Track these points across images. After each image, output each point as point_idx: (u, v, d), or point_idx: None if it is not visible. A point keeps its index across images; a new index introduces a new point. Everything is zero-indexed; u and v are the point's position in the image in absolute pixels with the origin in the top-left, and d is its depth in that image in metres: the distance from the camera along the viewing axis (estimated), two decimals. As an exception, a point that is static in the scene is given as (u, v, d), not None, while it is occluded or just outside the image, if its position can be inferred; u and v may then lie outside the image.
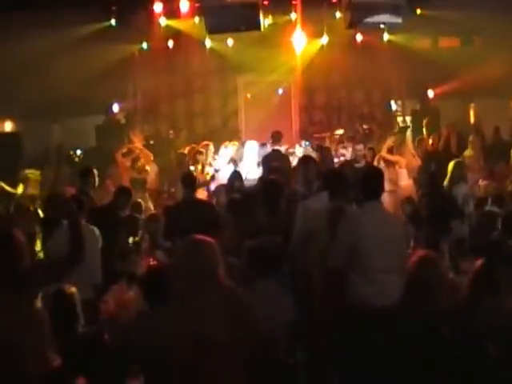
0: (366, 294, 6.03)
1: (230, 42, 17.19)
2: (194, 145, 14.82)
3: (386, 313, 5.86)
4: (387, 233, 6.17)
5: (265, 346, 5.36)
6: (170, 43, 17.46)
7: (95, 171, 9.85)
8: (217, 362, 4.60)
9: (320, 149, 13.02)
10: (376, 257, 6.07)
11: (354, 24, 13.66)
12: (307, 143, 15.52)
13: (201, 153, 13.82)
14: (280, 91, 19.55)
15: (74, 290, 5.86)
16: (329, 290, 6.46)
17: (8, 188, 11.37)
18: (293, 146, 15.57)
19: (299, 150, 14.75)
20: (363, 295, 6.04)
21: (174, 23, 16.47)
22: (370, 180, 6.46)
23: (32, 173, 10.30)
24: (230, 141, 15.20)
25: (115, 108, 17.99)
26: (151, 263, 7.74)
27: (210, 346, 4.58)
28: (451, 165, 10.66)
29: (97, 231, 7.77)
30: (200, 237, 4.90)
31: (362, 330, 5.91)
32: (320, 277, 6.79)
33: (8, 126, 18.84)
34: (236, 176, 10.94)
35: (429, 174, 10.18)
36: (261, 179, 10.34)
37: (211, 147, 14.36)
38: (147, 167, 13.89)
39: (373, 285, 6.03)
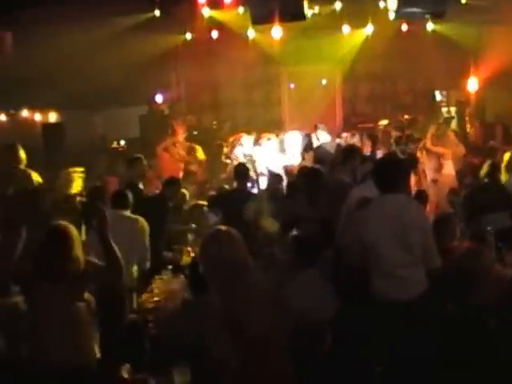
0: (383, 289, 5.88)
1: (274, 32, 17.12)
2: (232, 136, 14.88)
3: (405, 307, 5.75)
4: (400, 226, 5.88)
5: (306, 336, 5.37)
6: (213, 34, 17.46)
7: (144, 161, 9.89)
8: (257, 350, 4.60)
9: (372, 137, 12.87)
10: (388, 253, 5.86)
11: (398, 14, 13.50)
12: (344, 134, 15.47)
13: (241, 144, 13.87)
14: (323, 82, 19.46)
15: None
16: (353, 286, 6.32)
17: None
18: (338, 136, 15.53)
19: (344, 140, 14.68)
20: (381, 291, 5.89)
21: (217, 14, 16.47)
22: (381, 172, 6.18)
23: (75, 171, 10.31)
24: (273, 132, 15.17)
25: (158, 98, 18.07)
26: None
27: (251, 335, 4.59)
28: (507, 155, 10.37)
29: (142, 221, 7.77)
30: (224, 227, 4.89)
31: (384, 324, 5.81)
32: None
33: (52, 117, 19.07)
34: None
35: (489, 165, 9.84)
36: (302, 168, 10.30)
37: (244, 139, 14.39)
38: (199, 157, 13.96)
39: (389, 279, 5.85)
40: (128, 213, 7.76)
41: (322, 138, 14.53)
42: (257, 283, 4.70)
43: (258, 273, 4.81)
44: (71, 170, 8.92)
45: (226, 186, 10.93)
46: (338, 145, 13.33)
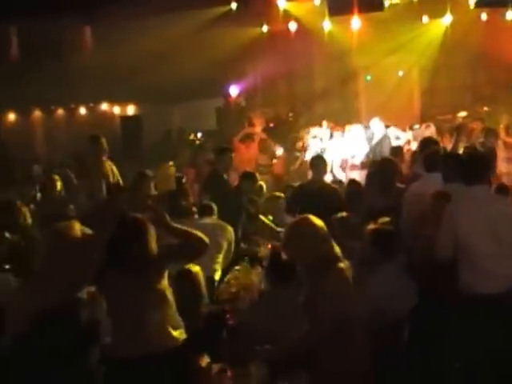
0: (470, 282, 5.76)
1: (353, 23, 16.98)
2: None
3: (495, 301, 5.62)
4: (490, 218, 5.79)
5: (382, 331, 5.32)
6: (290, 26, 17.41)
7: (230, 153, 9.92)
8: (338, 338, 4.63)
9: (459, 129, 12.65)
10: (478, 244, 5.76)
11: (480, 2, 13.24)
12: (416, 126, 15.26)
13: (316, 137, 13.83)
14: (400, 73, 19.22)
15: (198, 269, 5.94)
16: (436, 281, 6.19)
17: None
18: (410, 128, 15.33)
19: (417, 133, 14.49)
20: (468, 284, 5.78)
21: (293, 6, 16.43)
22: (469, 164, 6.13)
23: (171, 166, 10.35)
24: (351, 124, 15.07)
25: (233, 91, 18.15)
26: (274, 244, 7.76)
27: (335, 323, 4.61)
28: None
29: (229, 229, 7.83)
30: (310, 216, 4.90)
31: (473, 319, 5.69)
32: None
33: (130, 110, 19.36)
34: None
35: None
36: (379, 160, 10.19)
37: (319, 131, 14.35)
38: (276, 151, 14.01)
39: (478, 272, 5.75)
40: (212, 220, 7.82)
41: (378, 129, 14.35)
42: (342, 272, 4.72)
43: (344, 262, 4.82)
44: (168, 164, 8.99)
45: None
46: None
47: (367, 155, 13.27)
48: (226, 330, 5.84)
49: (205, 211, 8.03)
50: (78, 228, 4.35)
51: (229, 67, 16.83)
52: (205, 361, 5.18)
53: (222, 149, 9.96)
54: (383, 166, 8.47)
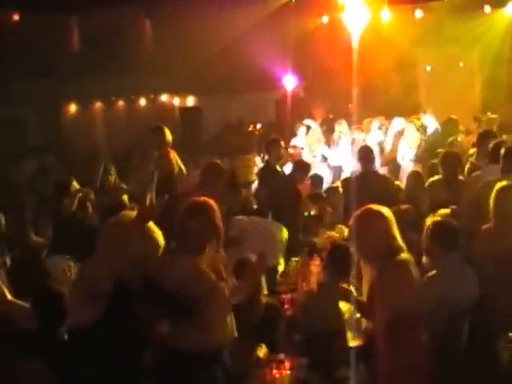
0: None
1: (417, 13, 16.78)
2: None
3: None
4: None
5: (444, 324, 5.26)
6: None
7: (282, 143, 9.92)
8: (398, 328, 4.62)
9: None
10: None
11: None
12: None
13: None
14: (461, 64, 18.91)
15: None
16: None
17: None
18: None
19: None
20: None
21: (352, -4, 16.27)
22: None
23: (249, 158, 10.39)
24: (411, 115, 14.89)
25: (290, 82, 18.09)
26: (334, 236, 7.75)
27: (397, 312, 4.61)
28: None
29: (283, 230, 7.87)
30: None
31: None
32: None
33: (190, 101, 19.48)
34: None
35: None
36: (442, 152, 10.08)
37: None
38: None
39: None
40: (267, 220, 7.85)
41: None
42: (404, 263, 4.71)
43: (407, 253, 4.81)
44: (247, 156, 9.03)
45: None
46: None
47: (420, 148, 13.09)
48: (284, 321, 5.85)
49: (261, 213, 8.03)
50: (132, 216, 4.37)
51: (288, 58, 16.77)
52: (263, 352, 5.19)
53: (272, 140, 10.00)
54: (446, 159, 8.38)
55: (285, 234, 7.72)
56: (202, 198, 4.84)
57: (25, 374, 4.64)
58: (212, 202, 4.81)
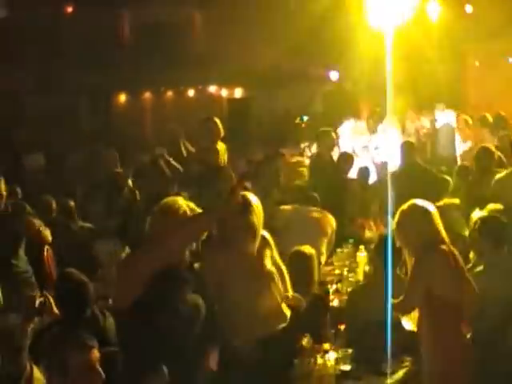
0: None
1: (467, 7, 16.58)
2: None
3: None
4: None
5: (492, 320, 5.22)
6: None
7: (333, 134, 9.93)
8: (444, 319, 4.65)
9: None
10: None
11: None
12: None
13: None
14: (510, 60, 18.62)
15: (313, 251, 5.98)
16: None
17: None
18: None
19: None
20: None
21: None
22: None
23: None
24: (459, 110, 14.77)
25: (335, 75, 18.04)
26: (381, 229, 7.73)
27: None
28: None
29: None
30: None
31: None
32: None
33: (238, 93, 19.54)
34: None
35: None
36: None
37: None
38: None
39: None
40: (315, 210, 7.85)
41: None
42: (446, 254, 4.73)
43: (450, 246, 4.82)
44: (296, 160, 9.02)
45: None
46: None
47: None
48: (329, 312, 5.86)
49: (310, 200, 8.01)
50: (183, 203, 4.39)
51: (336, 51, 16.70)
52: (308, 341, 5.20)
53: (323, 131, 10.01)
54: (481, 154, 8.32)
55: (333, 223, 7.69)
56: (250, 195, 4.88)
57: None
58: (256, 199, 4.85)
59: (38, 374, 4.57)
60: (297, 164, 8.93)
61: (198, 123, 8.78)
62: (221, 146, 8.58)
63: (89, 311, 5.04)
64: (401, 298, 4.82)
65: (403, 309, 4.93)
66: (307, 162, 10.10)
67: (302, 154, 11.18)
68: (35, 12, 17.66)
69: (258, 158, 13.32)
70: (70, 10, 18.94)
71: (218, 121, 8.58)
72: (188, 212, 4.22)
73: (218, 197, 7.08)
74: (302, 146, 12.23)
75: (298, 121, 17.62)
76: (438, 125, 13.99)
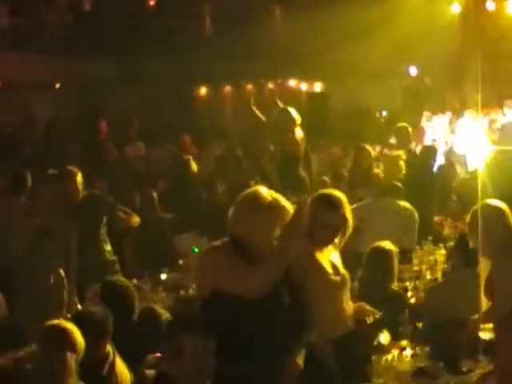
0: None
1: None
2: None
3: None
4: None
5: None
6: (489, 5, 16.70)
7: (410, 130, 9.86)
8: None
9: None
10: None
11: None
12: None
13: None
14: None
15: (392, 247, 5.99)
16: None
17: None
18: None
19: None
20: None
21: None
22: None
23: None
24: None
25: (414, 70, 17.83)
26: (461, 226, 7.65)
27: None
28: None
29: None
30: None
31: None
32: None
33: (317, 87, 19.53)
34: None
35: None
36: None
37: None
38: None
39: None
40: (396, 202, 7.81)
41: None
42: None
43: None
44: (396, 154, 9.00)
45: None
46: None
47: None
48: (407, 309, 5.85)
49: (391, 191, 7.97)
50: (267, 193, 4.27)
51: (417, 46, 16.51)
52: (385, 338, 5.20)
53: (400, 127, 9.96)
54: None
55: (415, 217, 7.64)
56: (337, 193, 4.88)
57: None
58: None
59: (119, 360, 4.73)
60: (397, 157, 8.84)
61: (275, 114, 8.85)
62: (299, 135, 8.63)
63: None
64: (488, 306, 4.76)
65: (494, 317, 4.85)
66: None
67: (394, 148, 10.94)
68: (118, 4, 18.01)
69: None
70: (152, 2, 19.25)
71: (293, 110, 8.63)
72: (273, 202, 4.17)
73: (299, 186, 7.16)
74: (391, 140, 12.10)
75: (376, 116, 17.54)
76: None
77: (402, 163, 8.63)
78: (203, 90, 20.06)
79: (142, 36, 17.89)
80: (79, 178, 7.36)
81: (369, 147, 9.99)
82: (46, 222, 6.89)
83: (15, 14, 17.11)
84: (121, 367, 4.68)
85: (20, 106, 16.79)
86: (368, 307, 4.90)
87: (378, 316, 4.89)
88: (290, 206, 4.19)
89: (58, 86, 17.47)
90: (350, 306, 4.89)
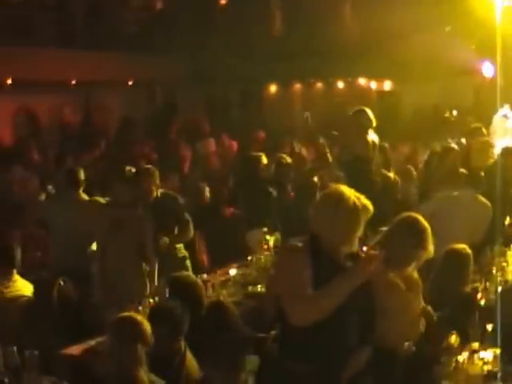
0: None
1: None
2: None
3: None
4: None
5: None
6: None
7: (484, 131, 9.73)
8: None
9: None
10: None
11: None
12: None
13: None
14: None
15: (468, 250, 6.01)
16: None
17: None
18: None
19: None
20: None
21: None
22: None
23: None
24: None
25: (487, 69, 17.51)
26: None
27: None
28: None
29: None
30: None
31: None
32: None
33: (387, 85, 19.42)
34: None
35: None
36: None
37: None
38: None
39: None
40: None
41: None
42: None
43: None
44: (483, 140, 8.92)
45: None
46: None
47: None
48: (477, 310, 5.81)
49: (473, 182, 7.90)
50: (350, 193, 4.14)
51: (491, 44, 16.25)
52: (455, 340, 5.18)
53: (474, 128, 9.85)
54: None
55: (490, 215, 7.55)
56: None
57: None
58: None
59: (189, 354, 4.84)
60: (486, 144, 8.74)
61: (349, 114, 8.85)
62: (372, 138, 8.62)
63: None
64: None
65: None
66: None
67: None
68: (189, 2, 18.22)
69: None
70: (222, 1, 19.40)
71: (369, 112, 8.61)
72: (356, 202, 4.07)
73: (369, 188, 7.16)
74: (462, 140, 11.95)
75: (447, 115, 17.33)
76: None
77: (492, 150, 8.52)
78: (273, 88, 20.17)
79: (213, 34, 18.04)
80: (156, 177, 7.51)
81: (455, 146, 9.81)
82: (122, 218, 7.05)
83: (90, 14, 17.45)
84: (190, 360, 4.79)
85: (94, 103, 17.14)
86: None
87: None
88: (371, 207, 4.15)
89: (130, 83, 17.74)
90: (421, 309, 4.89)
